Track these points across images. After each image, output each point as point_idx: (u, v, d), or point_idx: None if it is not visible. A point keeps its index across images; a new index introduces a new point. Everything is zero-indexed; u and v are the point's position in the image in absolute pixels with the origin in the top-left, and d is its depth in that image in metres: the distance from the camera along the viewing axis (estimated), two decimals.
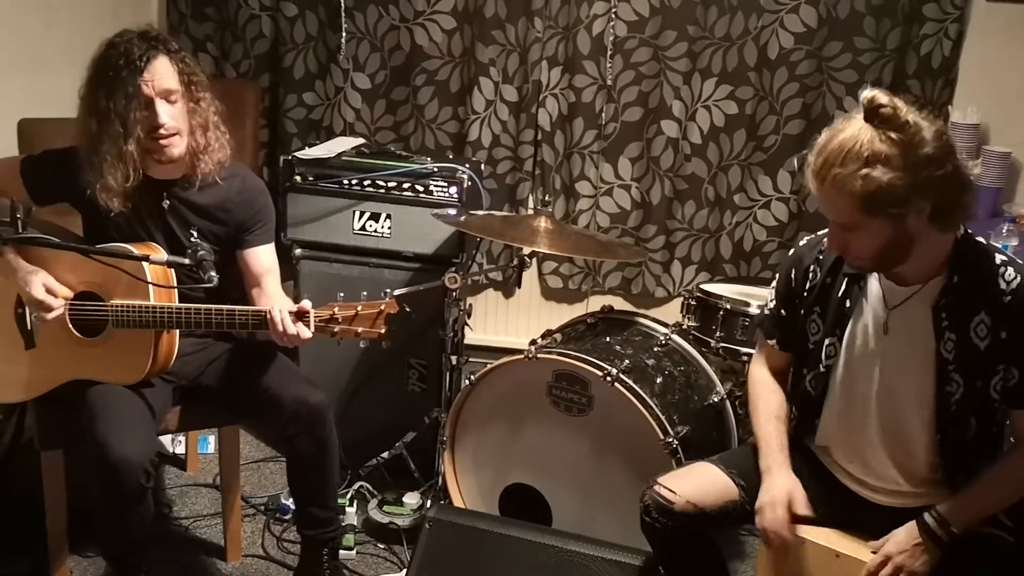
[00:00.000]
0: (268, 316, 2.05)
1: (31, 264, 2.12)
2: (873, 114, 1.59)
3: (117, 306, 2.10)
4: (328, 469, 2.34)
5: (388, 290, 2.17)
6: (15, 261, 2.10)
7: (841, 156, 1.59)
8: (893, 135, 1.57)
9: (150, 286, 2.08)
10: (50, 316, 2.10)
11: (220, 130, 2.22)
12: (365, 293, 2.10)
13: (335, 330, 2.05)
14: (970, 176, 1.68)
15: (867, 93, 1.61)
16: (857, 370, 1.85)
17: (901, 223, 1.62)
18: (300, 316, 2.05)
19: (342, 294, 2.10)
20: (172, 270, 2.12)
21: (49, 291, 2.09)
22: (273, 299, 2.26)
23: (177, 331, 2.17)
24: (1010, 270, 1.70)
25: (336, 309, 2.05)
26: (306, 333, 2.05)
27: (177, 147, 2.13)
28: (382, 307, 2.04)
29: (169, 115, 2.09)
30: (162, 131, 2.09)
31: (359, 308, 2.04)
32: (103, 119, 2.07)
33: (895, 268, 1.73)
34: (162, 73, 2.08)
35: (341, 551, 2.59)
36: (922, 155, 1.57)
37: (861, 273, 1.81)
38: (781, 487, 1.87)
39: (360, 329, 2.04)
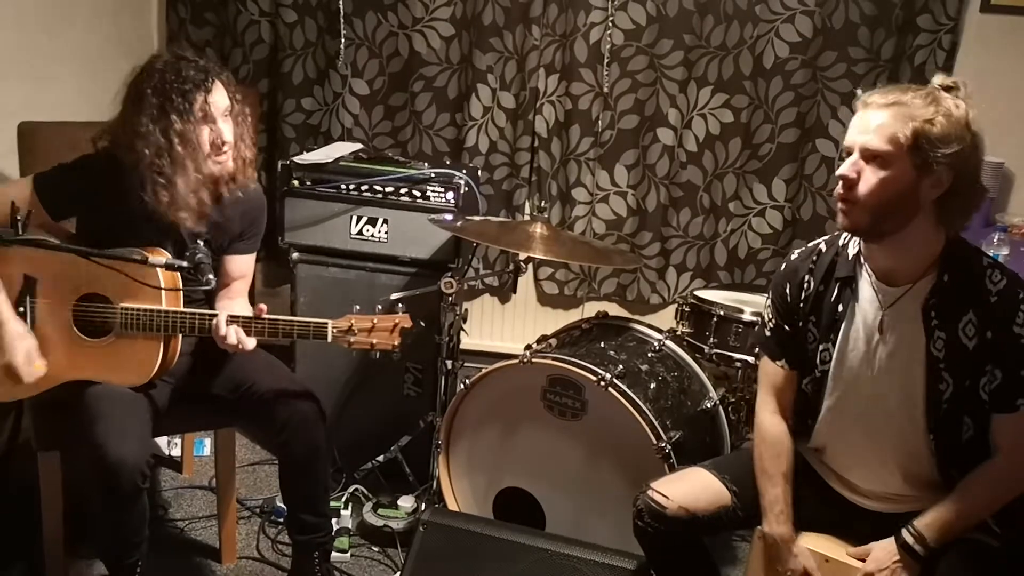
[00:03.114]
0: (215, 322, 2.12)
1: (21, 329, 2.10)
2: (946, 85, 1.71)
3: (127, 309, 2.13)
4: (320, 474, 2.37)
5: (400, 306, 2.21)
6: (5, 314, 2.07)
7: (917, 93, 1.68)
8: (961, 103, 1.67)
9: (162, 291, 2.12)
10: (16, 383, 2.09)
11: (255, 144, 2.32)
12: (357, 307, 2.16)
13: (351, 340, 2.12)
14: (984, 185, 1.76)
15: (938, 77, 1.73)
16: (851, 372, 1.87)
17: (920, 179, 1.67)
18: (256, 320, 2.13)
19: (358, 307, 2.17)
20: (179, 274, 2.15)
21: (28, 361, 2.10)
22: (234, 302, 2.36)
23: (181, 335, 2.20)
24: (997, 272, 1.73)
25: (353, 321, 2.12)
26: (247, 343, 2.13)
27: (232, 161, 2.23)
28: (397, 320, 2.13)
29: (230, 133, 2.19)
30: (225, 148, 2.18)
31: (375, 321, 2.12)
32: (184, 140, 2.12)
33: (883, 237, 1.74)
34: (221, 95, 2.18)
35: (336, 553, 2.61)
36: (974, 130, 1.68)
37: (842, 227, 1.79)
38: (796, 569, 1.88)
39: (375, 341, 2.13)
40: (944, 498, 1.78)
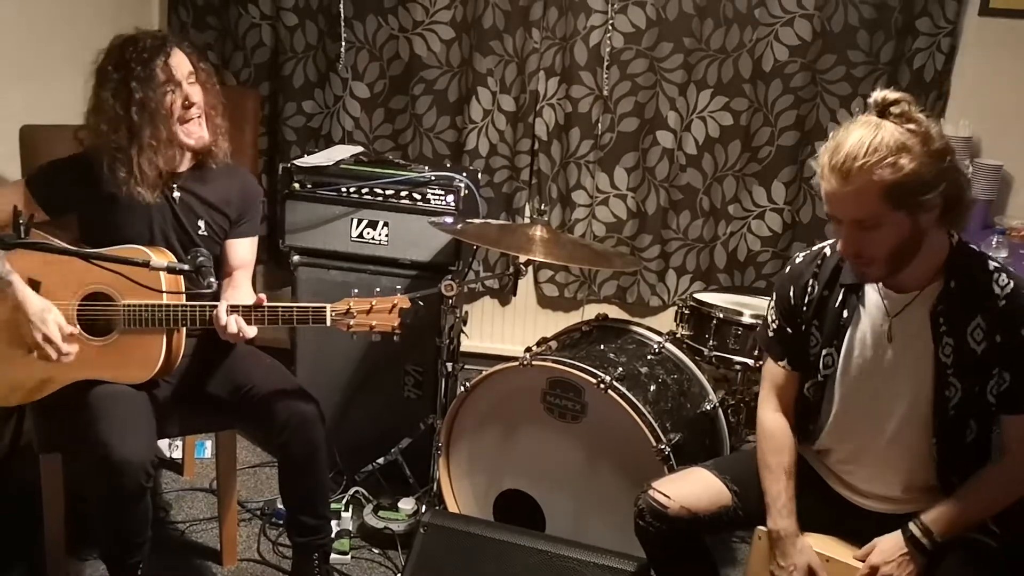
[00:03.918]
0: (215, 312, 2.13)
1: (41, 297, 2.12)
2: (887, 111, 1.63)
3: (130, 306, 2.14)
4: (318, 476, 2.37)
5: (398, 287, 2.21)
6: (23, 293, 2.08)
7: (865, 148, 1.60)
8: (911, 126, 1.61)
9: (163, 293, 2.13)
10: (56, 358, 2.08)
11: (224, 119, 2.31)
12: (355, 291, 2.17)
13: (350, 323, 2.11)
14: (967, 175, 1.72)
15: (878, 93, 1.65)
16: (857, 378, 1.87)
17: (918, 217, 1.64)
18: (255, 308, 2.13)
19: (356, 290, 2.16)
20: (181, 277, 2.17)
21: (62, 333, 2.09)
22: (238, 291, 2.35)
23: (184, 330, 2.22)
24: (1003, 276, 1.73)
25: (352, 304, 2.11)
26: (247, 332, 2.12)
27: (203, 129, 2.23)
28: (395, 301, 2.11)
29: (198, 95, 2.20)
30: (193, 111, 2.19)
31: (374, 302, 2.11)
32: (142, 108, 2.14)
33: (902, 271, 1.73)
34: (182, 60, 2.20)
35: (337, 556, 2.61)
36: (937, 146, 1.62)
37: (868, 282, 1.80)
38: (799, 564, 1.87)
39: (375, 322, 2.11)
40: (951, 495, 1.79)
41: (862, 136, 1.62)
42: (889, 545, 1.80)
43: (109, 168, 2.17)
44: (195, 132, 2.21)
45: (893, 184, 1.60)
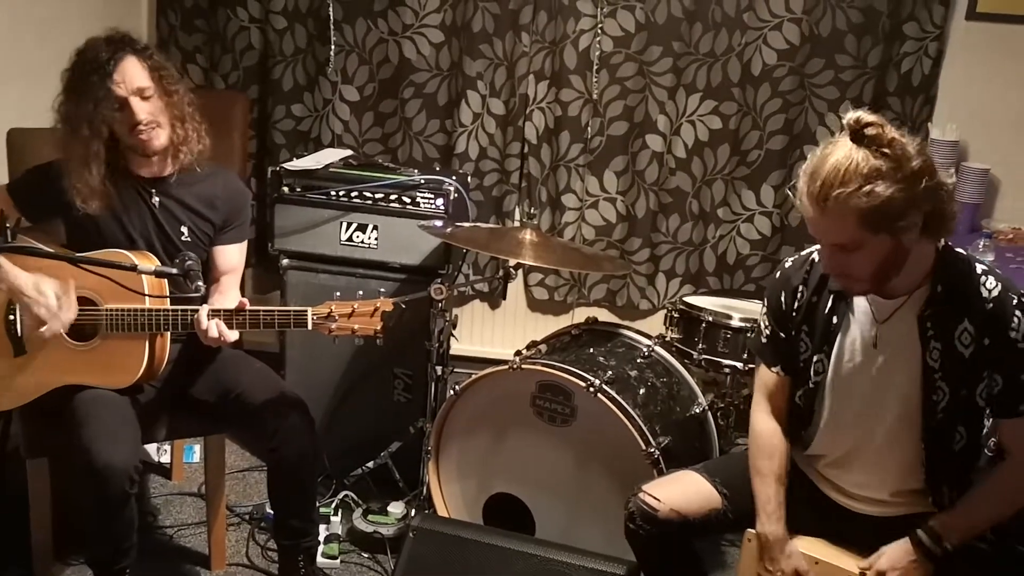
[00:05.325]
0: (196, 316, 2.11)
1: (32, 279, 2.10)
2: (861, 134, 1.61)
3: (112, 310, 2.13)
4: (307, 481, 2.37)
5: (381, 290, 2.20)
6: (14, 273, 2.06)
7: (840, 177, 1.60)
8: (885, 150, 1.60)
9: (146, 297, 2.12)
10: (60, 328, 2.07)
11: (196, 121, 2.28)
12: (338, 293, 2.16)
13: (332, 327, 2.09)
14: (951, 186, 1.72)
15: (852, 114, 1.63)
16: (847, 383, 1.87)
17: (899, 237, 1.64)
18: (237, 312, 2.12)
19: (338, 293, 2.15)
20: (165, 281, 2.16)
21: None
22: (225, 296, 2.34)
23: (169, 335, 2.20)
24: (991, 279, 1.74)
25: (333, 307, 2.09)
26: (228, 336, 2.12)
27: (159, 139, 2.19)
28: (378, 304, 2.09)
29: (146, 111, 2.16)
30: (140, 127, 2.15)
31: (355, 306, 2.09)
32: (72, 124, 2.13)
33: (887, 285, 1.74)
34: (132, 72, 2.15)
35: (326, 560, 2.61)
36: (914, 168, 1.61)
37: (854, 296, 1.81)
38: (787, 569, 1.88)
39: (357, 326, 2.09)
40: (960, 501, 1.79)
41: (837, 163, 1.61)
42: (897, 552, 1.79)
43: (63, 180, 2.17)
44: (145, 139, 2.18)
45: (868, 211, 1.59)
